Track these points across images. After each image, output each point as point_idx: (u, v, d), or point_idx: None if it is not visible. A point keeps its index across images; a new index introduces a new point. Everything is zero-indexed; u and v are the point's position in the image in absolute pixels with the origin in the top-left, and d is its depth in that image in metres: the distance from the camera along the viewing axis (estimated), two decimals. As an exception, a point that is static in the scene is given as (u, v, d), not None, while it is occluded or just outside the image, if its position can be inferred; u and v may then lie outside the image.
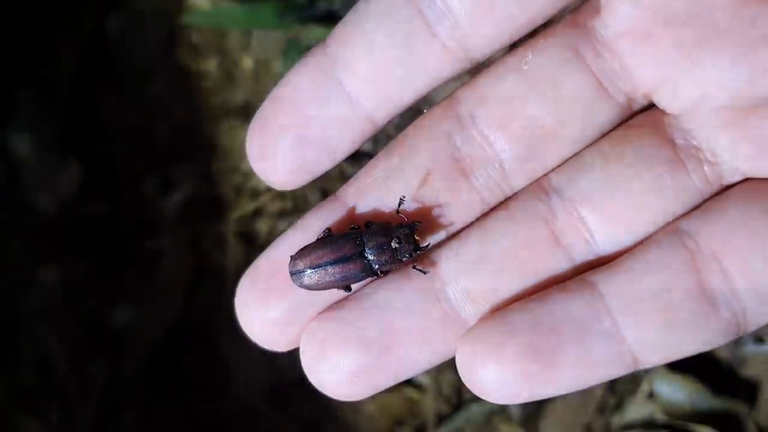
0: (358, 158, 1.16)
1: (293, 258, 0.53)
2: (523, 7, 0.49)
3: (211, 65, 1.23)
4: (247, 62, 1.22)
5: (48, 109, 1.19)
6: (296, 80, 0.51)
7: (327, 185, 1.17)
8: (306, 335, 0.53)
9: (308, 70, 0.51)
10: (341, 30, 0.51)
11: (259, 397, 1.16)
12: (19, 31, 1.23)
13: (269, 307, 0.53)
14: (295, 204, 1.19)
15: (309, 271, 0.53)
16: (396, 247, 0.54)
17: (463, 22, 0.50)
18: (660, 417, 1.04)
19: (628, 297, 0.50)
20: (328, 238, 0.54)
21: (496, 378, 0.49)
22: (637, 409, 1.06)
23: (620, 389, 1.10)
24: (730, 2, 0.48)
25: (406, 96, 0.51)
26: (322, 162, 0.52)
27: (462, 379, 0.51)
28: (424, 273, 0.53)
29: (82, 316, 1.20)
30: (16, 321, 1.19)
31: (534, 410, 1.09)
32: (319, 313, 0.54)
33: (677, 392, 1.03)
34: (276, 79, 1.21)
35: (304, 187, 1.17)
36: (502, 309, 0.52)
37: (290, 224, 1.17)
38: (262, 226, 1.20)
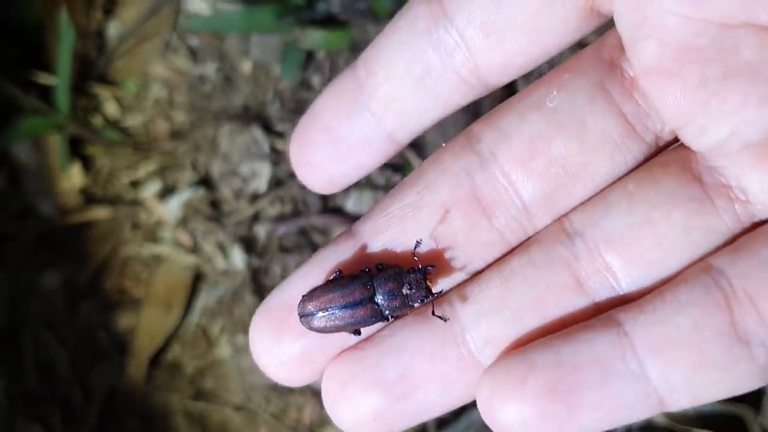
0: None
1: (303, 300, 0.53)
2: (533, 40, 0.49)
3: (210, 69, 1.23)
4: (246, 66, 1.22)
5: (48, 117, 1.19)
6: (327, 100, 0.53)
7: (326, 189, 1.17)
8: (327, 376, 0.53)
9: (337, 91, 0.53)
10: (367, 54, 0.53)
11: (259, 402, 1.16)
12: (19, 38, 1.24)
13: (283, 344, 0.53)
14: (295, 208, 1.19)
15: (318, 314, 0.53)
16: (407, 294, 0.53)
17: (475, 53, 0.50)
18: (663, 421, 1.03)
19: (655, 336, 0.48)
20: (338, 281, 0.54)
21: (517, 418, 0.48)
22: (640, 414, 1.04)
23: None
24: (758, 38, 0.46)
25: (424, 120, 0.53)
26: (350, 174, 0.54)
27: (482, 416, 0.49)
28: (445, 321, 0.52)
29: (83, 321, 1.20)
30: (20, 327, 1.20)
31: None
32: (339, 353, 0.54)
33: (681, 396, 1.02)
34: (275, 82, 1.21)
35: (303, 191, 1.17)
36: (524, 346, 0.51)
37: (289, 229, 1.17)
38: (262, 230, 1.19)
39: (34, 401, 1.17)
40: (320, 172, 0.54)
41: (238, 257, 1.18)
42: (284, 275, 1.18)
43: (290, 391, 1.15)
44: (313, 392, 1.14)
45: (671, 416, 1.01)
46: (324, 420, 1.15)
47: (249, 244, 1.19)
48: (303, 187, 1.17)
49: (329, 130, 0.53)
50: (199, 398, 1.17)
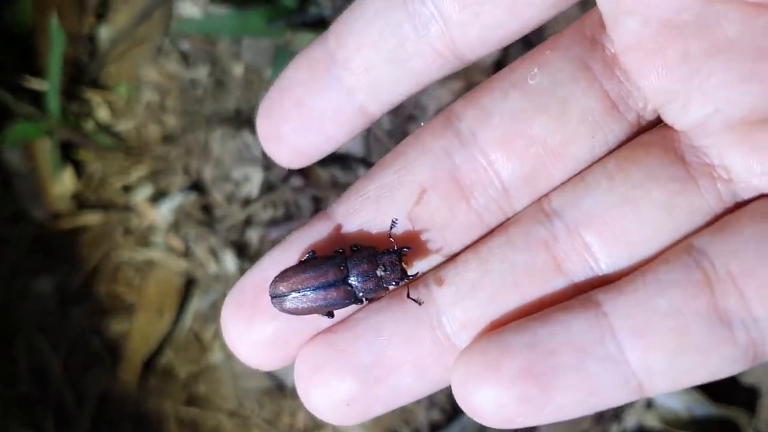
0: (352, 166, 1.15)
1: (274, 281, 0.52)
2: (512, 13, 0.48)
3: (201, 73, 1.23)
4: (238, 70, 1.22)
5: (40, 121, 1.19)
6: (297, 70, 0.52)
7: (319, 192, 1.17)
8: (299, 360, 0.52)
9: (308, 61, 0.52)
10: (338, 25, 0.52)
11: (252, 407, 1.16)
12: (10, 43, 1.24)
13: (255, 327, 0.52)
14: (287, 212, 1.19)
15: (290, 295, 0.52)
16: (381, 275, 0.52)
17: (451, 25, 0.49)
18: (657, 426, 1.02)
19: (634, 318, 0.47)
20: (311, 262, 0.53)
21: (492, 401, 0.47)
22: (634, 418, 1.04)
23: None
24: (740, 13, 0.45)
25: (397, 92, 0.51)
26: (320, 147, 0.53)
27: (457, 400, 0.49)
28: (419, 304, 0.51)
29: (76, 326, 1.19)
30: (12, 332, 1.19)
31: (530, 419, 1.07)
32: (313, 337, 0.52)
33: (675, 400, 1.01)
34: (267, 86, 1.21)
35: (295, 195, 1.17)
36: (500, 328, 0.50)
37: (281, 233, 1.16)
38: (254, 234, 1.19)
39: (27, 406, 1.17)
40: (289, 145, 0.53)
41: (230, 262, 1.18)
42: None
43: (283, 395, 1.15)
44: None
45: (665, 419, 1.01)
46: (317, 424, 1.15)
47: (241, 249, 1.19)
48: (295, 191, 1.17)
49: (298, 101, 0.52)
50: (192, 403, 1.17)
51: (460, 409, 0.49)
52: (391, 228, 0.52)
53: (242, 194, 1.20)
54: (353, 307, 0.53)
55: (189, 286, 1.19)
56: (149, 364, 1.18)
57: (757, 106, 0.46)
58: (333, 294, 0.53)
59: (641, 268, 0.49)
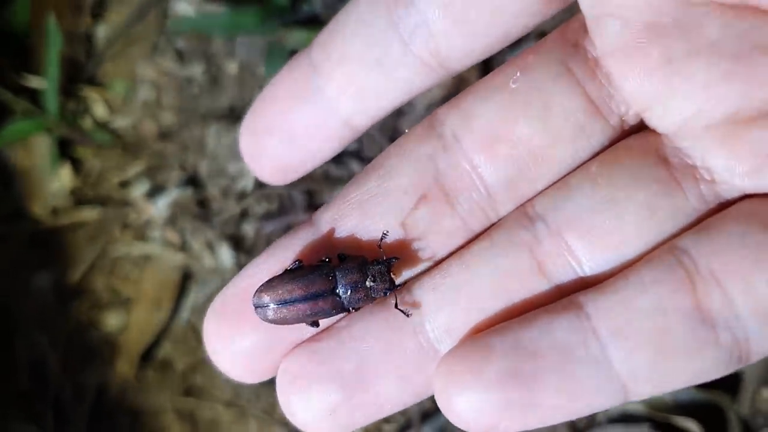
0: (344, 160, 1.17)
1: (259, 290, 0.51)
2: (497, 21, 0.48)
3: (196, 71, 1.24)
4: (232, 67, 1.23)
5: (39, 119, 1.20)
6: (280, 84, 0.51)
7: (312, 186, 1.18)
8: (281, 370, 0.51)
9: (291, 74, 0.51)
10: (323, 36, 0.51)
11: (248, 397, 1.17)
12: (9, 43, 1.25)
13: (237, 338, 0.51)
14: (281, 205, 1.20)
15: (275, 306, 0.50)
16: (370, 286, 0.51)
17: (436, 34, 0.48)
18: (642, 410, 1.03)
19: (617, 319, 0.46)
20: (297, 271, 0.51)
21: (474, 406, 0.45)
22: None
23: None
24: (721, 15, 0.45)
25: (383, 104, 0.51)
26: (304, 162, 0.52)
27: (439, 406, 0.47)
28: (408, 315, 0.50)
29: (74, 321, 1.20)
30: (11, 327, 1.20)
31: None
32: (294, 347, 0.51)
33: (661, 385, 1.02)
34: (260, 82, 1.22)
35: (289, 189, 1.19)
36: (482, 332, 0.48)
37: (276, 226, 1.18)
38: (249, 227, 1.20)
39: (26, 400, 1.17)
40: (272, 161, 0.51)
41: (226, 255, 1.19)
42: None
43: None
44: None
45: (650, 404, 1.02)
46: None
47: (237, 242, 1.20)
48: (289, 185, 1.18)
49: (281, 116, 0.50)
50: (190, 395, 1.17)
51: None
52: (381, 239, 0.51)
53: (237, 188, 1.21)
54: (337, 316, 0.52)
55: (186, 279, 1.20)
56: (147, 356, 1.19)
57: (738, 107, 0.46)
58: (320, 304, 0.51)
59: (624, 270, 0.48)
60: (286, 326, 0.51)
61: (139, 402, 1.18)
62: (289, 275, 0.51)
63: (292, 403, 0.50)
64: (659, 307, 0.46)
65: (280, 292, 0.51)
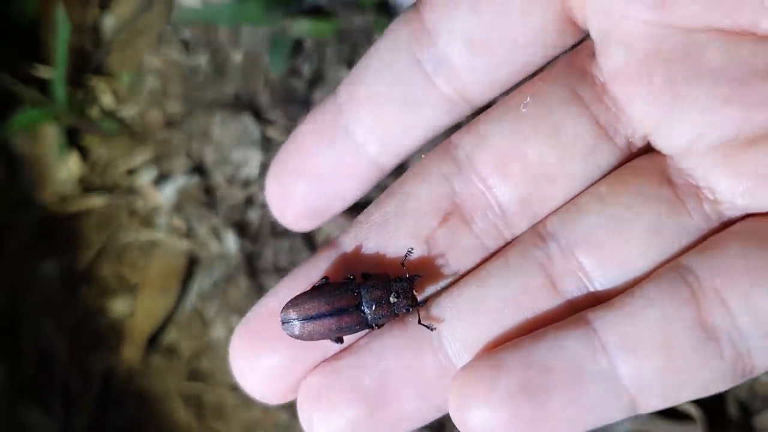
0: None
1: (286, 306, 0.52)
2: (518, 53, 0.50)
3: (202, 60, 1.25)
4: (237, 56, 1.24)
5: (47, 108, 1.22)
6: (307, 128, 0.52)
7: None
8: (302, 388, 0.51)
9: (318, 118, 0.52)
10: (349, 78, 0.52)
11: (254, 382, 1.18)
12: (18, 33, 1.26)
13: (263, 357, 0.51)
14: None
15: (302, 321, 0.51)
16: (394, 302, 0.52)
17: (459, 70, 0.50)
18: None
19: (624, 333, 0.47)
20: (324, 288, 0.53)
21: (487, 420, 0.47)
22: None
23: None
24: (721, 41, 0.46)
25: (410, 142, 0.52)
26: (332, 205, 0.53)
27: (454, 421, 0.48)
28: (431, 330, 0.51)
29: (81, 307, 1.21)
30: (19, 314, 1.21)
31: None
32: (315, 366, 0.52)
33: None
34: (265, 71, 1.24)
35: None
36: (495, 348, 0.50)
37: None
38: (254, 214, 1.22)
39: (34, 386, 1.18)
40: (300, 205, 0.52)
41: (231, 241, 1.20)
42: (276, 258, 1.20)
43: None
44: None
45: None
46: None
47: (242, 229, 1.21)
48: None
49: (309, 159, 0.51)
50: (195, 379, 1.18)
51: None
52: (406, 256, 0.52)
53: (242, 176, 1.22)
54: (360, 333, 0.53)
55: (192, 265, 1.21)
56: (153, 342, 1.19)
57: (738, 129, 0.47)
58: (345, 320, 0.52)
59: (631, 288, 0.49)
60: (309, 345, 0.52)
61: (145, 387, 1.19)
62: (315, 292, 0.53)
63: (313, 420, 0.51)
64: (664, 320, 0.47)
65: (306, 307, 0.52)
